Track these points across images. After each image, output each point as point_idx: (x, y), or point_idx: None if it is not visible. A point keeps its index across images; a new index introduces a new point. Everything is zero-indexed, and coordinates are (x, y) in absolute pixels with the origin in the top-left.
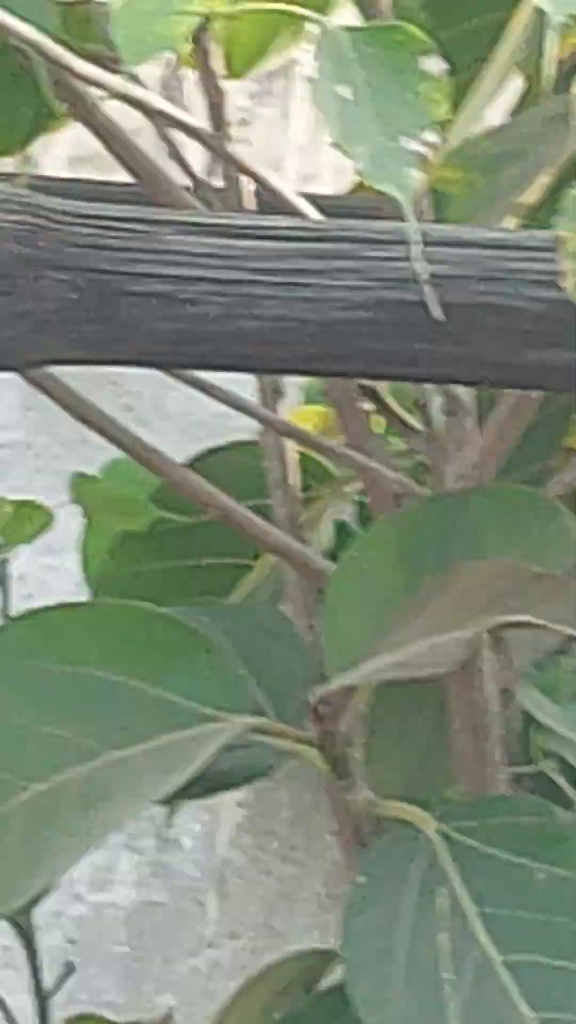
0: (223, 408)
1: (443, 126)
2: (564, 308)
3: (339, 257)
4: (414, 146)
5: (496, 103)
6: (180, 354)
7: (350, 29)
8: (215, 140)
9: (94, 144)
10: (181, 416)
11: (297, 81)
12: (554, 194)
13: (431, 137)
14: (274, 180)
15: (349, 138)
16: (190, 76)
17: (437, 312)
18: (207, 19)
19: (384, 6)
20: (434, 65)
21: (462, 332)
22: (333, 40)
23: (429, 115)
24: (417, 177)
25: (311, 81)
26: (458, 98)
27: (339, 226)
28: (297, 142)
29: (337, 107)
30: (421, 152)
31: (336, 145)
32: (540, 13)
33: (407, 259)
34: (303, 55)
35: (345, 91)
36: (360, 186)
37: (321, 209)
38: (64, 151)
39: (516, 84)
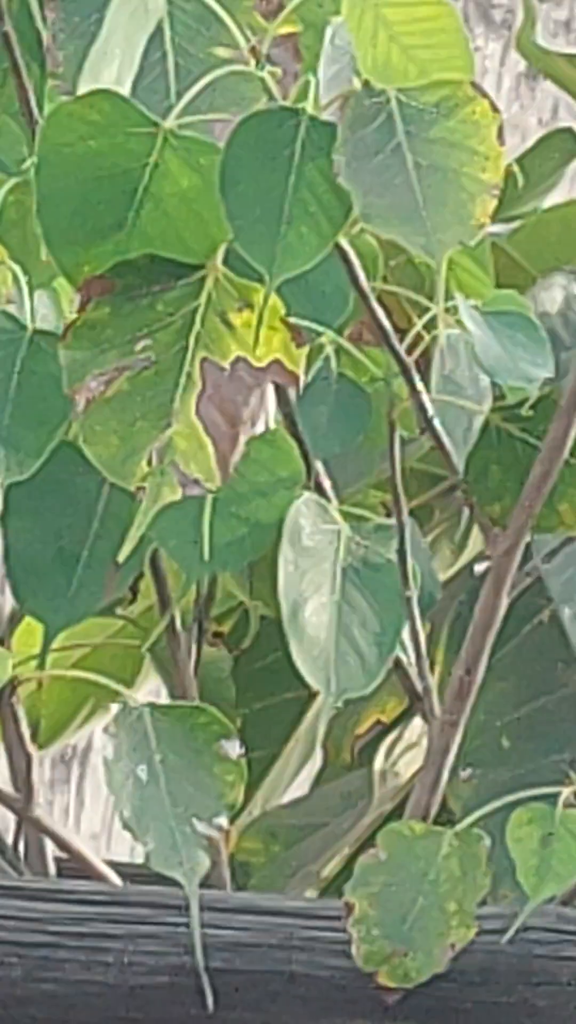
0: None
1: (235, 808)
2: (362, 977)
3: (135, 922)
4: (205, 830)
5: (299, 778)
6: None
7: (153, 707)
8: (18, 803)
9: None
10: None
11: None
12: (351, 865)
13: (223, 821)
14: (76, 843)
15: (141, 821)
16: None
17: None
18: (13, 685)
19: (187, 680)
20: (232, 748)
21: (260, 999)
22: (134, 716)
23: (223, 799)
24: (205, 863)
25: (106, 762)
26: (261, 770)
27: (138, 891)
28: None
29: (130, 788)
30: (212, 836)
31: (127, 827)
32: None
33: (209, 926)
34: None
35: (142, 771)
36: None
37: (120, 873)
38: None
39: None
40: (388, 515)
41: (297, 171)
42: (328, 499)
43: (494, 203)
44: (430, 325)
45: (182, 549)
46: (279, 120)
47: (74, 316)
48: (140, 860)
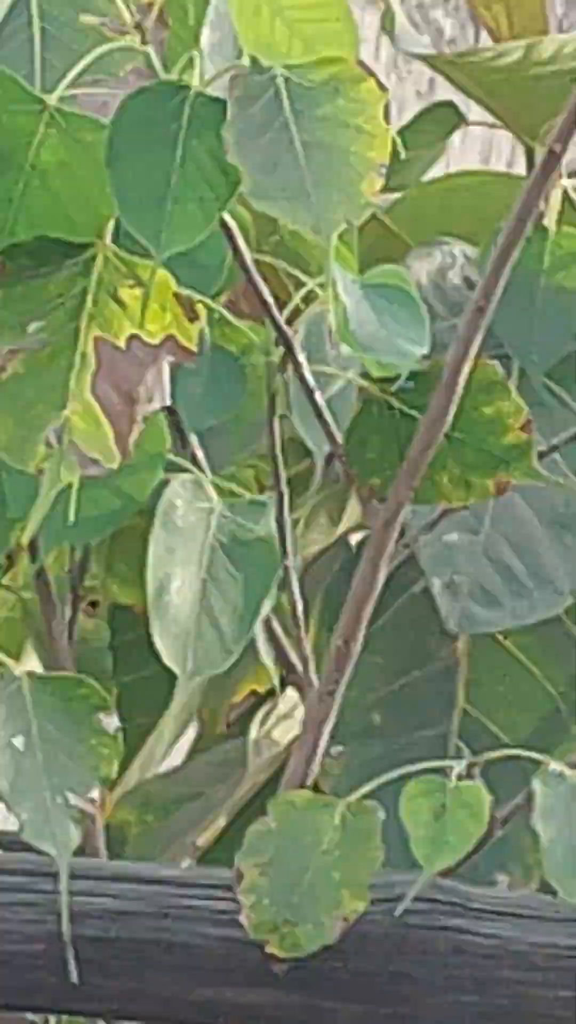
0: None
1: (108, 781)
2: (239, 946)
3: (12, 889)
4: (78, 802)
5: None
6: None
7: (32, 676)
8: None
9: None
10: None
11: None
12: (227, 834)
13: (96, 794)
14: None
15: (16, 793)
16: None
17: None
18: None
19: (62, 650)
20: (110, 722)
21: (136, 967)
22: (13, 686)
23: (97, 772)
24: (75, 836)
25: None
26: (137, 740)
27: (16, 859)
28: None
29: (8, 757)
30: (85, 808)
31: (1, 798)
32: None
33: (83, 894)
34: None
35: (18, 740)
36: None
37: None
38: None
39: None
40: (261, 490)
41: (184, 147)
42: (204, 472)
43: (381, 181)
44: (307, 298)
45: (47, 517)
46: (166, 96)
47: None
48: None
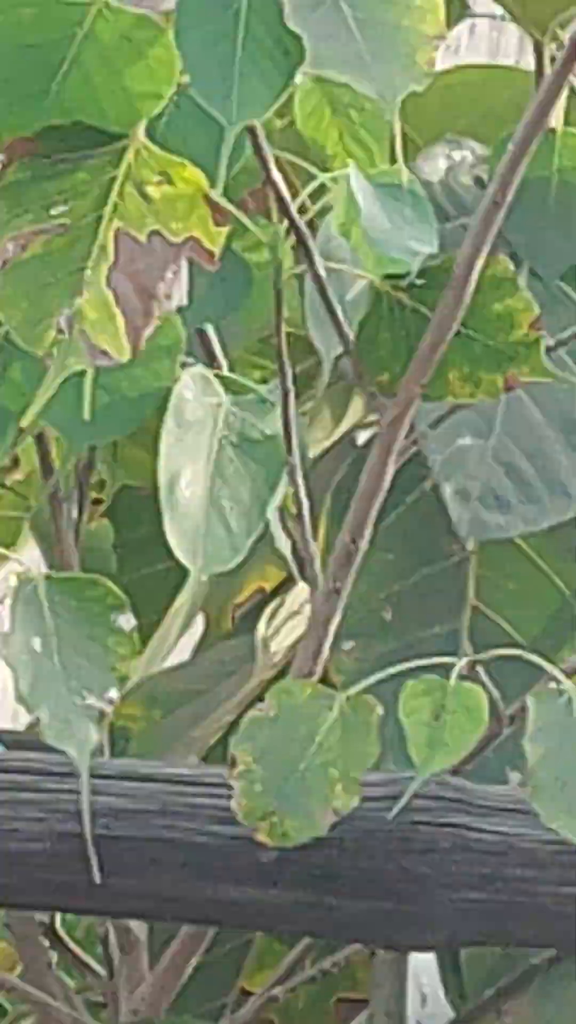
0: None
1: (125, 680)
2: (243, 844)
3: (17, 788)
4: (96, 702)
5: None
6: None
7: (49, 578)
8: None
9: None
10: None
11: None
12: (233, 729)
13: (113, 694)
14: None
15: (35, 695)
16: None
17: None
18: None
19: (68, 549)
20: (126, 621)
21: (140, 866)
22: (29, 588)
23: (114, 671)
24: (95, 736)
25: (2, 634)
26: (143, 637)
27: (17, 757)
28: None
29: (27, 659)
30: (103, 708)
31: (21, 700)
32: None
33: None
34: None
35: (36, 642)
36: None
37: (1, 741)
38: None
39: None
40: (264, 382)
41: (246, 23)
42: (219, 365)
43: (435, 53)
44: (316, 193)
45: (64, 416)
46: None
47: None
48: (19, 728)
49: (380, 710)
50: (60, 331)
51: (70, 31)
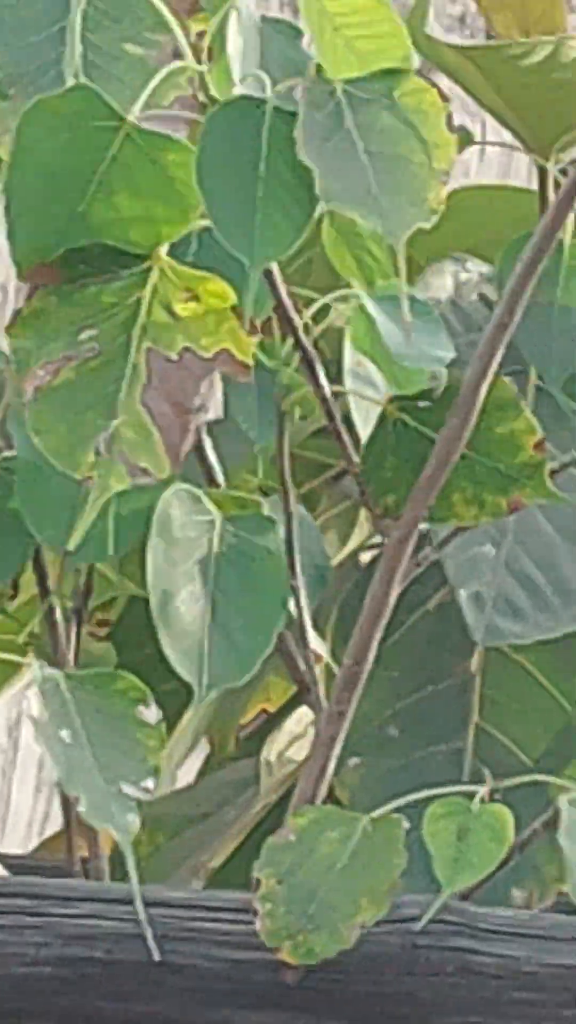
0: None
1: (159, 772)
2: (246, 968)
3: (21, 912)
4: (133, 791)
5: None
6: None
7: (68, 676)
8: None
9: None
10: None
11: None
12: (239, 855)
13: (150, 784)
14: None
15: (71, 780)
16: None
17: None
18: None
19: None
20: (151, 714)
21: (144, 990)
22: (52, 685)
23: (147, 762)
24: (136, 823)
25: (35, 722)
26: None
27: (21, 882)
28: None
29: (60, 748)
30: (140, 797)
31: (58, 784)
32: None
33: (89, 916)
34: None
35: (65, 734)
36: (43, 845)
37: (6, 865)
38: None
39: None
40: (266, 495)
41: (266, 161)
42: (217, 483)
43: (444, 189)
44: (317, 316)
45: (57, 537)
46: (245, 110)
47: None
48: (23, 852)
49: (406, 823)
50: (98, 453)
51: (100, 153)
